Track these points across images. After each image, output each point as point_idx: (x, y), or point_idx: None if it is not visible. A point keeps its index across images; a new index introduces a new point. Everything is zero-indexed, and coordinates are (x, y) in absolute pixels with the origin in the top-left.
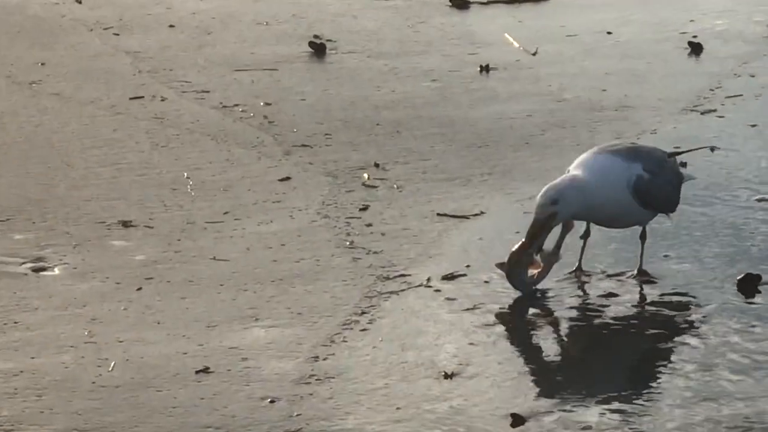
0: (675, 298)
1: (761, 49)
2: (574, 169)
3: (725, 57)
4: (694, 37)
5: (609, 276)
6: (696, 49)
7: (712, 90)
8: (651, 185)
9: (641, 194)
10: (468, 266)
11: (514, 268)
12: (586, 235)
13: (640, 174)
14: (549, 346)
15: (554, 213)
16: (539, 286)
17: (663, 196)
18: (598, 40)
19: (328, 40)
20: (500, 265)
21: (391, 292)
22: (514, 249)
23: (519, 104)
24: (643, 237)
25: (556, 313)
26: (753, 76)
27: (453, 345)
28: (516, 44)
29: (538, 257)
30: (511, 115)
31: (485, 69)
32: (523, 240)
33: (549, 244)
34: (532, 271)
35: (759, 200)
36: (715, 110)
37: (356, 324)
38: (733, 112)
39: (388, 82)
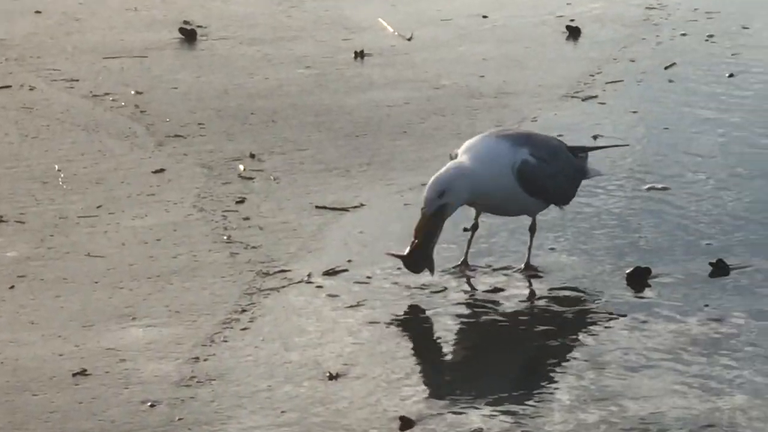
0: (563, 293)
1: (639, 33)
2: (462, 154)
3: (604, 41)
4: (572, 20)
5: (495, 270)
6: (574, 33)
7: (592, 75)
8: (537, 172)
9: (525, 180)
10: (350, 261)
11: (413, 269)
12: (473, 228)
13: (525, 159)
14: (436, 344)
15: (444, 205)
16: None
17: (552, 186)
18: (473, 24)
19: (198, 26)
20: (393, 255)
21: (272, 289)
22: (408, 251)
23: (396, 91)
24: (532, 229)
25: (442, 310)
26: (633, 61)
27: (337, 344)
28: (390, 29)
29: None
30: (389, 103)
31: (360, 55)
32: (415, 240)
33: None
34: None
35: (648, 189)
36: (596, 96)
37: (237, 323)
38: (614, 99)
39: (261, 70)
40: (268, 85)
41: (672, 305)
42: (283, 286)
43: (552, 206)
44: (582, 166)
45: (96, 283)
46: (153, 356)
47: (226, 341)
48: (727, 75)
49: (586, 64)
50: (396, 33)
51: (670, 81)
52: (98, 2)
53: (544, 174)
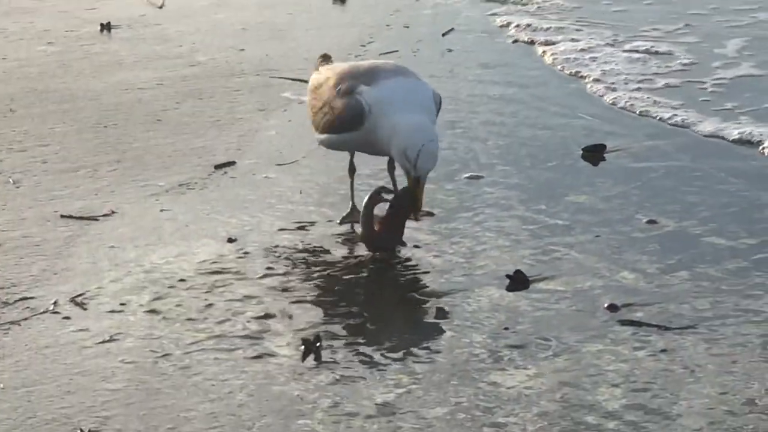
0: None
1: None
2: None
3: (375, 5)
4: None
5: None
6: None
7: (364, 45)
8: None
9: None
10: (100, 288)
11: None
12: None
13: None
14: (203, 386)
15: None
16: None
17: None
18: None
19: None
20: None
21: (12, 322)
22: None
23: (147, 71)
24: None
25: (204, 344)
26: (407, 27)
27: (88, 393)
28: None
29: None
30: (140, 85)
31: (107, 27)
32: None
33: None
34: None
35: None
36: None
37: None
38: None
39: None
40: (6, 66)
41: (464, 325)
42: (25, 318)
43: None
44: None
45: None
46: None
47: None
48: (511, 41)
49: (356, 31)
50: None
51: (449, 50)
52: None
53: None
